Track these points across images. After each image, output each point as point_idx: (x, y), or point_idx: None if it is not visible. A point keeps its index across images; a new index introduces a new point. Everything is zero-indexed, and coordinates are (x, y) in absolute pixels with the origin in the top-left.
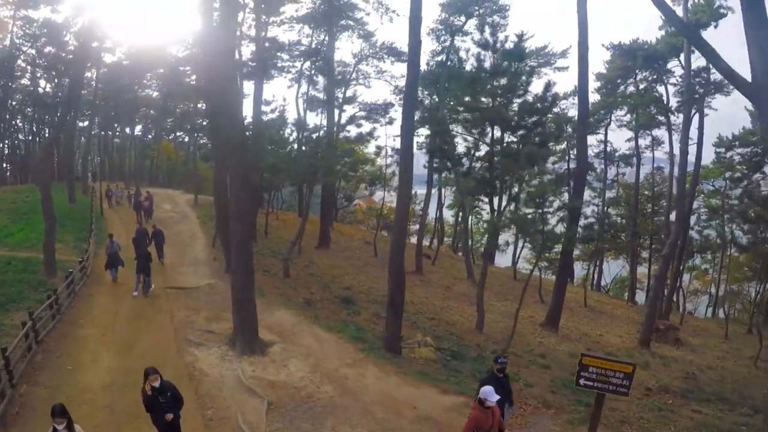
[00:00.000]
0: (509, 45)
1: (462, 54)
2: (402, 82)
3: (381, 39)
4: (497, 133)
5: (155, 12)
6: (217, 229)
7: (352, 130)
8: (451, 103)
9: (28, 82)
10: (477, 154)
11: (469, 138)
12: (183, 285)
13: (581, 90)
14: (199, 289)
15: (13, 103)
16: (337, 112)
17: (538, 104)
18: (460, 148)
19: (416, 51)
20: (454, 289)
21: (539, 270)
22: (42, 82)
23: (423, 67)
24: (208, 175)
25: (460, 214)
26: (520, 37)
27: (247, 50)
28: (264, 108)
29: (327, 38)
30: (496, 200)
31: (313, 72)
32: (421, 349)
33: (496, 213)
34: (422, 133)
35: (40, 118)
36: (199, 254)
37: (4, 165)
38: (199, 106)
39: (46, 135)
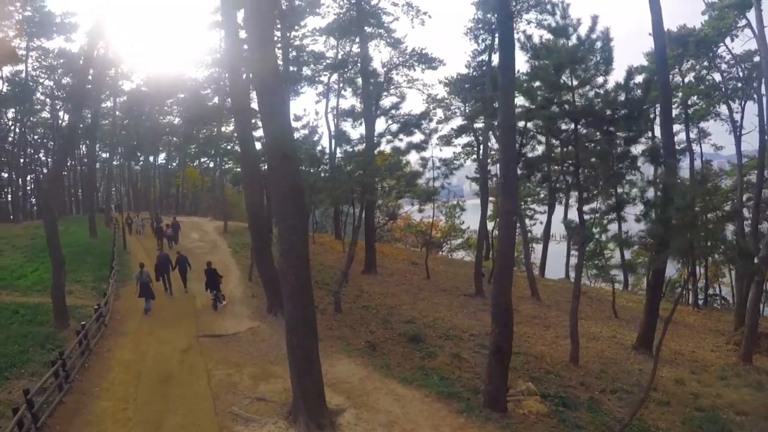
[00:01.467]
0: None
1: (535, 40)
2: (435, 90)
3: (410, 45)
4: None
5: (169, 35)
6: (254, 260)
7: (396, 141)
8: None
9: (48, 115)
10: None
11: (543, 139)
12: (219, 332)
13: (662, 79)
14: (238, 336)
15: (35, 137)
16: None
17: (630, 94)
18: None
19: (508, 30)
20: (521, 311)
21: (612, 282)
22: (62, 114)
23: (463, 70)
24: (237, 200)
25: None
26: (595, 20)
27: None
28: (294, 124)
29: (359, 46)
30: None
31: (342, 84)
32: (528, 400)
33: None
34: (459, 142)
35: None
36: (234, 290)
37: (30, 200)
38: (223, 129)
39: (69, 167)
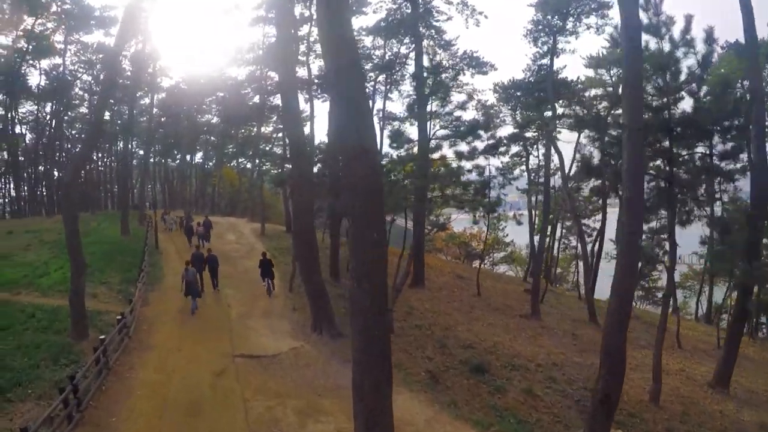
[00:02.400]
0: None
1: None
2: (484, 96)
3: (461, 48)
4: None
5: (209, 32)
6: (301, 273)
7: (462, 145)
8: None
9: (86, 111)
10: None
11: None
12: (257, 352)
13: (758, 92)
14: (279, 357)
15: (73, 132)
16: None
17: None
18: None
19: (633, 14)
20: (582, 337)
21: (675, 305)
22: None
23: (519, 74)
24: (273, 201)
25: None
26: (689, 20)
27: (314, 66)
28: None
29: (407, 47)
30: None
31: (389, 86)
32: None
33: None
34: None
35: (99, 146)
36: (274, 301)
37: None
38: (262, 129)
39: (106, 162)
